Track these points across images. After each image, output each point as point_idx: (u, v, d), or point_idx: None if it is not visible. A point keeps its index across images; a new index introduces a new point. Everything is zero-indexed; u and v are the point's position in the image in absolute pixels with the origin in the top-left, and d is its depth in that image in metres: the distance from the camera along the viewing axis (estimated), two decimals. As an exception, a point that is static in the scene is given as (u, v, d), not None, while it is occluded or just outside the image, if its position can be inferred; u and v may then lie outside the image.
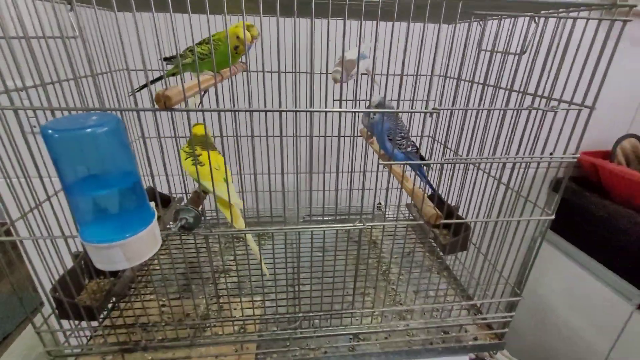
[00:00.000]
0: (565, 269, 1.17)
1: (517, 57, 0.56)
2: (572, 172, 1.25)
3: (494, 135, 0.53)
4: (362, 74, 0.73)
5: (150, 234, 0.38)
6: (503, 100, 0.56)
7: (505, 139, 0.56)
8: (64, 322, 0.53)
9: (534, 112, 0.49)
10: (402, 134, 0.68)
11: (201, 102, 0.54)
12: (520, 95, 0.56)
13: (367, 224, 0.46)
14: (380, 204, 1.05)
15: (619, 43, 0.40)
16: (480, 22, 0.69)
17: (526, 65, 0.54)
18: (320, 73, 0.81)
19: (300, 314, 0.57)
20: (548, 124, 0.49)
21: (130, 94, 0.41)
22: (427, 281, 0.73)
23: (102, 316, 0.60)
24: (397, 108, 0.44)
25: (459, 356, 0.61)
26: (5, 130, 0.42)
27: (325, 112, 0.42)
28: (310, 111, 0.41)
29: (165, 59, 0.58)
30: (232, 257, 0.79)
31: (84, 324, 0.54)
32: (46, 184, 0.45)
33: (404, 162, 0.51)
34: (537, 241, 0.56)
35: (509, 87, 0.57)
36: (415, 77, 0.68)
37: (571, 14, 0.46)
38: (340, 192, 0.92)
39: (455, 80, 0.70)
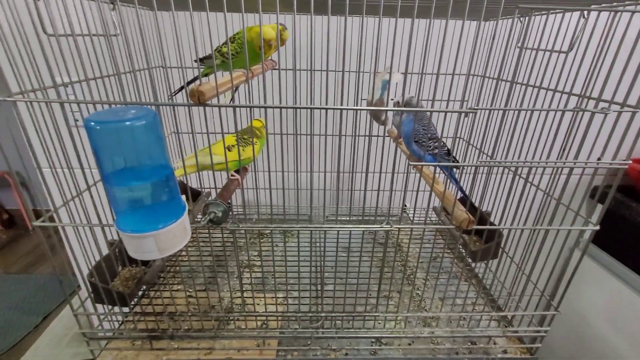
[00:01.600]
0: (606, 284, 1.09)
1: (562, 55, 0.53)
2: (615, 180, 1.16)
3: (533, 138, 0.50)
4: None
5: (181, 226, 0.39)
6: (544, 101, 0.53)
7: (546, 142, 0.53)
8: (98, 308, 0.56)
9: (579, 114, 0.46)
10: (430, 135, 0.65)
11: (232, 99, 0.55)
12: (563, 96, 0.53)
13: (395, 226, 0.44)
14: (405, 206, 1.03)
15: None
16: (522, 19, 0.66)
17: (572, 64, 0.51)
18: (350, 72, 0.81)
19: (322, 314, 0.57)
20: (596, 127, 0.45)
21: (169, 96, 0.42)
22: (454, 288, 0.70)
23: (132, 303, 0.62)
24: (432, 108, 0.42)
25: (487, 369, 0.58)
26: (53, 123, 0.45)
27: (355, 109, 0.41)
28: (340, 109, 0.41)
29: (199, 59, 0.60)
30: (256, 253, 0.80)
31: (116, 309, 0.57)
32: (87, 175, 0.47)
33: (435, 164, 0.49)
34: (573, 252, 0.52)
35: (553, 87, 0.53)
36: (452, 76, 0.66)
37: (628, 7, 0.42)
38: (367, 193, 0.91)
39: (494, 81, 0.67)
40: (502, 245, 0.68)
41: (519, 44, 0.63)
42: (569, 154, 0.50)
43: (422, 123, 0.66)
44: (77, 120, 0.83)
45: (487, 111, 0.67)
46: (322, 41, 0.46)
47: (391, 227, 0.44)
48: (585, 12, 0.49)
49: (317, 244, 0.80)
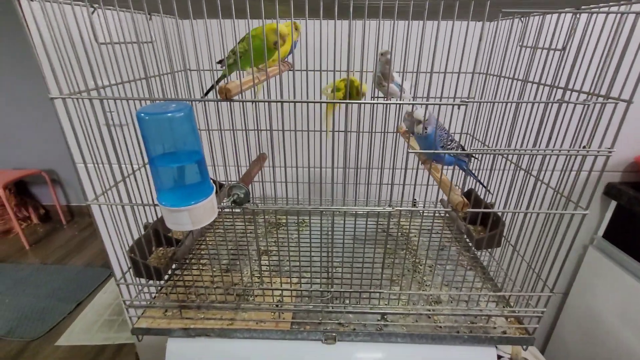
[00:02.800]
0: (619, 280, 1.09)
1: (557, 53, 0.57)
2: (631, 177, 1.16)
3: (526, 129, 0.53)
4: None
5: (210, 203, 0.46)
6: (541, 96, 0.57)
7: (539, 134, 0.56)
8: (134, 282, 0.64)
9: (570, 107, 0.50)
10: (451, 138, 0.67)
11: (255, 96, 0.61)
12: (557, 90, 0.56)
13: (396, 208, 0.50)
14: (415, 200, 1.07)
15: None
16: (522, 19, 0.70)
17: (565, 61, 0.54)
18: (360, 71, 0.86)
19: (332, 290, 0.63)
20: (604, 119, 0.48)
21: (202, 96, 0.49)
22: (458, 274, 0.75)
23: (165, 278, 0.70)
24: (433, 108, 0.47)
25: (486, 347, 0.62)
26: (98, 122, 0.52)
27: (372, 104, 0.47)
28: (355, 103, 0.46)
29: (220, 62, 0.66)
30: (273, 241, 0.87)
31: (151, 283, 0.65)
32: (122, 167, 0.55)
33: (430, 152, 0.54)
34: (574, 240, 0.55)
35: (549, 83, 0.57)
36: (458, 74, 0.70)
37: (622, 8, 0.46)
38: (375, 187, 0.96)
39: (496, 78, 0.71)
40: (504, 234, 0.72)
41: (520, 43, 0.68)
42: (562, 144, 0.54)
43: (441, 128, 0.68)
44: (113, 120, 0.93)
45: (490, 107, 0.71)
46: (340, 44, 0.52)
47: (393, 209, 0.50)
48: (578, 13, 0.53)
49: (328, 232, 0.86)
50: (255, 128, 0.52)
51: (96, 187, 0.56)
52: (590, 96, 0.46)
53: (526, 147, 0.54)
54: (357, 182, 0.59)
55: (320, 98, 0.59)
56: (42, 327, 1.80)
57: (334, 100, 0.47)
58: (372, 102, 0.46)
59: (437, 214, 0.98)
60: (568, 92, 0.48)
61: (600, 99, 0.45)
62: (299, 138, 0.84)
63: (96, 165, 0.53)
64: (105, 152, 0.53)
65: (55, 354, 1.65)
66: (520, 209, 0.56)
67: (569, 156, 0.52)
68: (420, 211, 0.51)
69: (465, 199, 0.51)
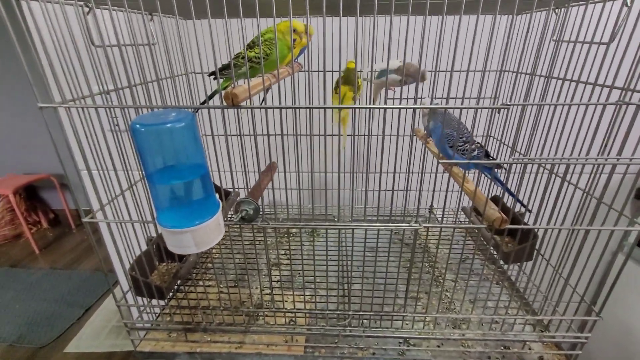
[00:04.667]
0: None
1: (604, 48, 0.50)
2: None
3: (570, 135, 0.47)
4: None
5: (216, 222, 0.41)
6: (582, 96, 0.50)
7: (585, 139, 0.50)
8: (137, 301, 0.59)
9: (622, 108, 0.43)
10: (464, 139, 0.63)
11: (264, 99, 0.56)
12: (605, 91, 0.50)
13: (423, 225, 0.44)
14: (432, 206, 1.01)
15: None
16: (557, 11, 0.63)
17: (613, 56, 0.48)
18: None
19: (350, 312, 0.57)
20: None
21: (202, 103, 0.44)
22: (485, 290, 0.68)
23: (168, 297, 0.65)
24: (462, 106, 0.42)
25: (521, 375, 0.56)
26: (100, 128, 0.48)
27: (383, 108, 0.42)
28: (368, 108, 0.41)
29: (212, 73, 0.60)
30: (284, 252, 0.82)
31: (154, 302, 0.60)
32: (128, 175, 0.51)
33: (461, 162, 0.48)
34: (617, 255, 0.49)
35: (593, 81, 0.51)
36: (482, 72, 0.64)
37: None
38: (394, 194, 0.90)
39: (528, 76, 0.65)
40: (537, 247, 0.65)
41: (554, 37, 0.61)
42: (610, 151, 0.48)
43: (452, 126, 0.63)
44: (117, 125, 0.88)
45: (520, 108, 0.65)
46: (348, 41, 0.47)
47: (420, 225, 0.44)
48: (629, 0, 0.47)
49: (344, 244, 0.80)
50: (264, 133, 0.47)
51: (94, 203, 0.51)
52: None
53: (563, 153, 0.48)
54: (376, 188, 0.53)
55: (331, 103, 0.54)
56: (51, 333, 1.78)
57: (352, 106, 0.42)
58: (395, 107, 0.41)
59: (458, 222, 0.92)
60: (629, 93, 0.42)
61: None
62: (310, 142, 0.79)
63: (92, 177, 0.49)
64: (103, 162, 0.48)
65: (64, 361, 1.63)
66: (556, 220, 0.50)
67: (615, 164, 0.45)
68: (452, 228, 0.45)
69: (503, 215, 0.45)
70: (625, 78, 0.44)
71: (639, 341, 1.06)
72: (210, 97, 0.61)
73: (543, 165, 0.52)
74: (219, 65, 0.52)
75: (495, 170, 0.64)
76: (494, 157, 0.76)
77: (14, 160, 2.72)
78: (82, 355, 1.67)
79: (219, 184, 0.83)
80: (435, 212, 0.98)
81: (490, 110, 0.66)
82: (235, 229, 0.85)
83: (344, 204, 1.01)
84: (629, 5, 0.47)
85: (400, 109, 0.41)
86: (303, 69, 0.76)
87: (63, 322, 1.85)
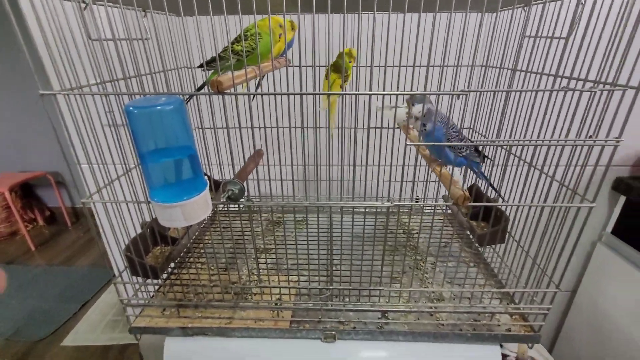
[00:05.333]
0: (629, 277, 1.07)
1: (561, 42, 0.55)
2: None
3: (529, 121, 0.51)
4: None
5: (203, 199, 0.45)
6: (545, 86, 0.55)
7: (548, 124, 0.54)
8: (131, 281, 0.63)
9: (576, 97, 0.48)
10: (461, 138, 0.63)
11: (254, 95, 0.60)
12: (562, 81, 0.55)
13: (395, 203, 0.48)
14: (418, 197, 1.05)
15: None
16: (525, 8, 0.68)
17: (570, 50, 0.52)
18: (359, 65, 0.85)
19: (331, 287, 0.61)
20: (594, 108, 0.47)
21: (195, 90, 0.48)
22: (460, 271, 0.73)
23: (163, 277, 0.69)
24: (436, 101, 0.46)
25: (490, 344, 0.61)
26: (91, 120, 0.52)
27: (370, 94, 0.45)
28: (355, 94, 0.45)
29: (202, 65, 0.64)
30: (272, 239, 0.86)
31: (148, 282, 0.64)
32: (123, 162, 0.54)
33: (430, 144, 0.52)
34: (573, 231, 0.53)
35: (553, 73, 0.55)
36: (455, 67, 0.68)
37: None
38: (379, 184, 0.94)
39: (496, 70, 0.69)
40: (508, 230, 0.70)
41: (522, 33, 0.66)
42: (568, 135, 0.52)
43: (450, 125, 0.63)
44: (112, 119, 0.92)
45: (491, 99, 0.69)
46: (333, 39, 0.51)
47: (391, 204, 0.48)
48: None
49: (328, 230, 0.85)
50: (248, 125, 0.51)
51: (91, 186, 0.55)
52: (596, 84, 0.44)
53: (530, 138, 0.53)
54: (353, 179, 0.57)
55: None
56: (48, 327, 1.81)
57: (338, 92, 0.46)
58: (380, 93, 0.45)
59: (439, 210, 0.96)
60: (573, 82, 0.46)
61: (607, 87, 0.44)
62: (294, 134, 0.83)
63: (90, 165, 0.53)
64: (100, 150, 0.52)
65: (62, 354, 1.66)
66: (524, 203, 0.54)
67: (574, 147, 0.50)
68: (421, 206, 0.50)
69: (466, 193, 0.49)
70: (572, 68, 0.48)
71: (613, 322, 1.11)
72: (200, 87, 0.65)
73: (505, 148, 0.56)
74: (207, 59, 0.56)
75: (481, 166, 0.67)
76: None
77: (9, 158, 2.74)
78: (79, 348, 1.70)
79: (208, 174, 0.87)
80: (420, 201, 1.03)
81: (464, 102, 0.70)
82: (226, 217, 0.89)
83: (333, 194, 1.05)
84: (583, 3, 0.51)
85: (384, 95, 0.45)
86: (291, 64, 0.80)
87: (60, 316, 1.88)
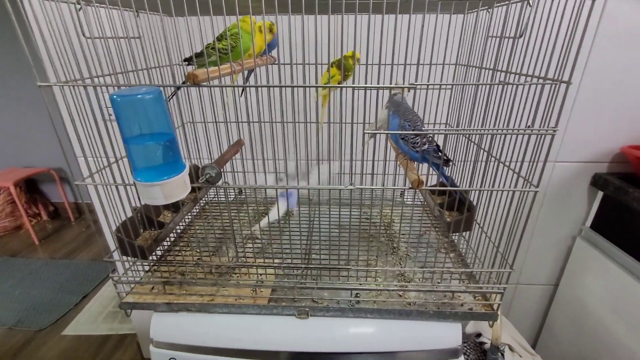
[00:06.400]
0: (607, 271, 1.10)
1: (514, 40, 0.59)
2: (618, 168, 1.17)
3: (475, 111, 0.56)
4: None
5: (182, 180, 0.50)
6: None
7: (486, 115, 0.58)
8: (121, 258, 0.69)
9: (525, 92, 0.53)
10: (414, 127, 0.66)
11: (244, 90, 0.65)
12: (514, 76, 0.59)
13: (357, 186, 0.53)
14: (403, 192, 1.10)
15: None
16: (489, 10, 0.73)
17: (523, 48, 0.57)
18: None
19: (302, 266, 0.67)
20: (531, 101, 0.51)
21: (172, 85, 0.53)
22: (432, 256, 0.78)
23: (152, 258, 0.74)
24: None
25: (451, 322, 0.65)
26: (84, 110, 0.57)
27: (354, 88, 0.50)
28: (341, 87, 0.50)
29: (186, 59, 0.69)
30: (256, 228, 0.91)
31: (138, 263, 0.70)
32: (113, 150, 0.60)
33: (390, 132, 0.57)
34: (576, 240, 0.58)
35: (504, 69, 0.60)
36: (429, 66, 0.73)
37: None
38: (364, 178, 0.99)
39: (464, 68, 0.74)
40: (475, 218, 0.75)
41: (490, 34, 0.71)
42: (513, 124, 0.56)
43: (407, 117, 0.66)
44: (111, 115, 0.98)
45: (458, 95, 0.74)
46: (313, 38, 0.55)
47: (353, 187, 0.53)
48: (530, 0, 0.56)
49: (311, 220, 0.90)
50: (225, 120, 0.56)
51: (84, 171, 0.61)
52: (531, 78, 0.49)
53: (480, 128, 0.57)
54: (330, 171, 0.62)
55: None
56: (49, 317, 1.87)
57: (327, 85, 0.51)
58: (368, 87, 0.49)
59: (416, 202, 1.01)
60: (514, 77, 0.51)
61: (540, 81, 0.48)
62: (275, 129, 0.88)
63: (85, 156, 0.58)
64: (94, 141, 0.58)
65: (62, 343, 1.72)
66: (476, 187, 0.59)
67: (523, 137, 0.55)
68: (382, 190, 0.54)
69: (420, 177, 0.54)
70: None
71: (593, 315, 1.15)
72: (184, 82, 0.70)
73: (463, 134, 0.61)
74: (192, 55, 0.62)
75: (445, 168, 0.70)
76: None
77: (15, 154, 2.82)
78: (79, 337, 1.76)
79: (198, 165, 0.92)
80: (404, 197, 1.07)
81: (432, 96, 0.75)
82: (215, 208, 0.94)
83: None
84: (530, 5, 0.56)
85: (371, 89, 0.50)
86: (276, 62, 0.85)
87: (61, 307, 1.94)
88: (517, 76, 0.53)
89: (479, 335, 1.14)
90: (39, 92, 0.51)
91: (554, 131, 0.49)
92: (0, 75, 2.60)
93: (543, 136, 0.51)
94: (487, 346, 1.08)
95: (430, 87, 0.51)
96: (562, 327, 1.33)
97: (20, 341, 1.73)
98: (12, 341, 1.73)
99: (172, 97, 0.66)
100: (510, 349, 1.07)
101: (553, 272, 1.36)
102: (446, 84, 0.53)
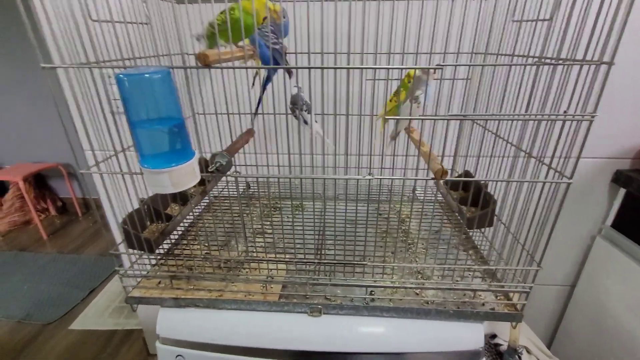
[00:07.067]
0: (628, 271, 1.05)
1: (545, 23, 0.56)
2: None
3: (504, 96, 0.52)
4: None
5: (190, 167, 0.47)
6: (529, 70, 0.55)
7: (517, 100, 0.54)
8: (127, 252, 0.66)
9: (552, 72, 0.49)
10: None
11: (253, 84, 0.62)
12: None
13: (375, 176, 0.50)
14: (416, 190, 1.06)
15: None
16: (514, -6, 0.69)
17: (553, 31, 0.53)
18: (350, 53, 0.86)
19: (315, 261, 0.64)
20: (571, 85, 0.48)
21: (181, 67, 0.50)
22: (449, 252, 0.74)
23: (159, 251, 0.72)
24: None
25: (472, 322, 0.62)
26: (90, 94, 0.55)
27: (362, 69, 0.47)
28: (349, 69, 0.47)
29: (198, 38, 0.65)
30: (270, 221, 0.88)
31: (145, 256, 0.67)
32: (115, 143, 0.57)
33: (411, 118, 0.54)
34: (553, 208, 0.54)
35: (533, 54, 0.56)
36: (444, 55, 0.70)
37: None
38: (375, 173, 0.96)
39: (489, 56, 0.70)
40: (496, 213, 0.71)
41: (513, 18, 0.67)
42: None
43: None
44: (119, 108, 0.96)
45: (486, 84, 0.70)
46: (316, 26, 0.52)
47: (372, 176, 0.50)
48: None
49: (322, 214, 0.86)
50: (240, 112, 0.53)
51: (89, 160, 0.58)
52: (567, 60, 0.45)
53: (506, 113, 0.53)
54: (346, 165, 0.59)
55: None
56: (57, 312, 1.87)
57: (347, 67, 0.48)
58: (382, 67, 0.45)
59: (430, 196, 0.97)
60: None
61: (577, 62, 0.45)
62: (285, 122, 0.85)
63: (89, 138, 0.56)
64: (98, 124, 0.55)
65: (69, 337, 1.72)
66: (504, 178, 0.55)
67: (553, 125, 0.51)
68: (402, 179, 0.51)
69: (444, 167, 0.51)
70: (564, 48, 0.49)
71: (612, 317, 1.10)
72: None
73: (475, 120, 0.57)
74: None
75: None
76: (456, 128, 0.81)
77: (24, 149, 2.84)
78: (86, 332, 1.76)
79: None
80: (417, 192, 1.04)
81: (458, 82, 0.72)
82: (225, 202, 0.91)
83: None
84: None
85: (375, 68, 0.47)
86: (287, 50, 0.82)
87: (69, 302, 1.95)
88: (545, 60, 0.49)
89: (494, 336, 1.10)
90: (48, 85, 0.49)
91: (592, 117, 0.45)
92: (9, 72, 2.60)
93: (578, 123, 0.47)
94: (503, 348, 1.04)
95: (453, 72, 0.47)
96: (579, 328, 1.28)
97: (28, 335, 1.73)
98: (21, 334, 1.73)
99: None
100: (527, 351, 1.03)
101: (570, 272, 1.32)
102: (475, 64, 0.49)
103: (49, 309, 1.90)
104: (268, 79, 0.68)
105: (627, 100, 1.01)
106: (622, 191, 1.14)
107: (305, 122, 0.66)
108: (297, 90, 0.65)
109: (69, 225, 2.76)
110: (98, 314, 1.88)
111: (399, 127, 0.65)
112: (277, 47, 0.62)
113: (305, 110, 0.67)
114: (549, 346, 1.45)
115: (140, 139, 0.44)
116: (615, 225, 1.16)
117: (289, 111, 0.70)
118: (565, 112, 0.46)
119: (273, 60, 0.60)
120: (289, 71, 0.70)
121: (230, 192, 0.97)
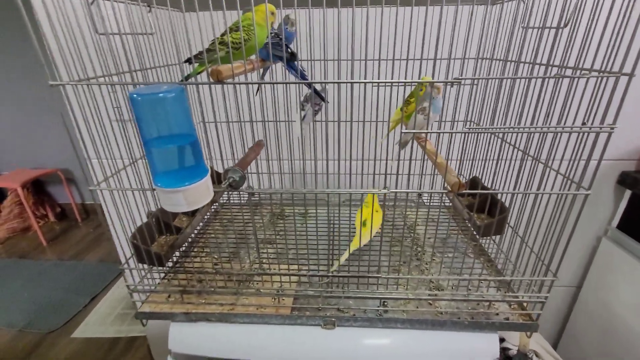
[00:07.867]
0: (635, 273, 1.06)
1: (560, 31, 0.55)
2: (647, 166, 1.12)
3: (520, 108, 0.52)
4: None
5: (204, 185, 0.46)
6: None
7: (535, 111, 0.54)
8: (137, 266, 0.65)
9: (559, 82, 0.48)
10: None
11: (259, 89, 0.61)
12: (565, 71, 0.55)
13: (391, 190, 0.49)
14: (421, 194, 1.06)
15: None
16: (524, 0, 0.68)
17: (573, 39, 0.52)
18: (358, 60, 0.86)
19: (329, 274, 0.63)
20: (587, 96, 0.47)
21: (192, 83, 0.50)
22: (460, 261, 0.73)
23: (168, 265, 0.71)
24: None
25: (487, 333, 0.61)
26: (104, 106, 0.54)
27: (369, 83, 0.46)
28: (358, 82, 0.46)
29: (188, 60, 0.63)
30: (276, 231, 0.87)
31: (154, 270, 0.66)
32: (126, 161, 0.56)
33: (430, 132, 0.53)
34: (566, 217, 0.54)
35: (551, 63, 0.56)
36: (450, 60, 0.69)
37: None
38: (385, 179, 0.95)
39: (495, 61, 0.70)
40: (507, 220, 0.70)
41: (523, 24, 0.66)
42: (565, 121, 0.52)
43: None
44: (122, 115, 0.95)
45: (494, 92, 0.70)
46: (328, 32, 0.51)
47: (388, 190, 0.49)
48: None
49: (332, 222, 0.86)
50: (250, 119, 0.52)
51: (99, 176, 0.57)
52: (589, 71, 0.44)
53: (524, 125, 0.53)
54: (351, 172, 0.58)
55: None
56: (58, 319, 1.85)
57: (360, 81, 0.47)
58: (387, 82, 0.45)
59: (437, 202, 0.97)
60: (562, 71, 0.47)
61: (601, 74, 0.44)
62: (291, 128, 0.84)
63: (99, 158, 0.55)
64: (108, 143, 0.54)
65: (71, 345, 1.70)
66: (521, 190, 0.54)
67: (570, 135, 0.50)
68: (417, 195, 0.51)
69: (460, 180, 0.50)
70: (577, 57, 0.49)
71: (618, 318, 1.10)
72: (186, 78, 0.65)
73: (495, 133, 0.57)
74: (195, 54, 0.57)
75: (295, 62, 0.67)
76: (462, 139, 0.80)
77: (22, 154, 2.81)
78: (89, 340, 1.74)
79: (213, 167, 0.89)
80: (423, 198, 1.03)
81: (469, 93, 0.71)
82: (229, 209, 0.90)
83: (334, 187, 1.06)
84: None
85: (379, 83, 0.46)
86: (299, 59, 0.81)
87: (70, 309, 1.93)
88: (564, 70, 0.49)
89: (502, 340, 1.09)
90: (45, 92, 0.48)
91: (612, 129, 0.44)
92: (7, 76, 2.57)
93: (596, 134, 0.47)
94: (512, 352, 1.03)
95: (467, 82, 0.46)
96: (585, 330, 1.28)
97: (30, 343, 1.71)
98: (23, 343, 1.71)
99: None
100: (536, 354, 1.03)
101: (576, 274, 1.32)
102: (494, 77, 0.49)
103: (50, 316, 1.88)
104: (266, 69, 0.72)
105: (634, 104, 1.01)
106: (627, 193, 1.14)
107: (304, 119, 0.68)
108: (314, 90, 0.66)
109: (68, 232, 2.74)
110: (100, 322, 1.86)
111: (407, 136, 0.64)
112: (275, 41, 0.64)
113: (316, 110, 0.69)
114: (554, 347, 1.45)
115: (154, 158, 0.43)
116: (621, 226, 1.17)
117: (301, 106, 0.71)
118: (583, 122, 0.46)
119: (275, 55, 0.64)
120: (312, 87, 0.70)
121: (237, 201, 0.96)
